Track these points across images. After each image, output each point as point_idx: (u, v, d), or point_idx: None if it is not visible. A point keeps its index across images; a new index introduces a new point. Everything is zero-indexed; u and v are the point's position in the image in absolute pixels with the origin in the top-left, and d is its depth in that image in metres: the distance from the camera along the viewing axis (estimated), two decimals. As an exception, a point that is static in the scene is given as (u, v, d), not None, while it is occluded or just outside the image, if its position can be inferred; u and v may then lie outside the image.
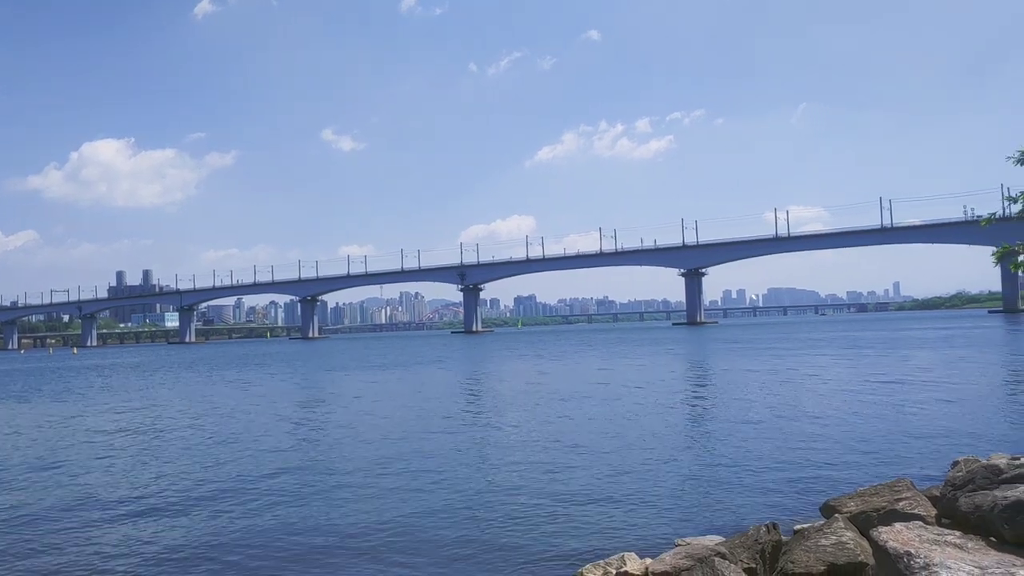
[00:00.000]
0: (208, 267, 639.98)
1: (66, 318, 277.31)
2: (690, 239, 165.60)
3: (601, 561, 8.15)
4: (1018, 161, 8.58)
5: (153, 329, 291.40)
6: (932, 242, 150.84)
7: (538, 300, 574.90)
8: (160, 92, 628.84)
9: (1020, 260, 9.75)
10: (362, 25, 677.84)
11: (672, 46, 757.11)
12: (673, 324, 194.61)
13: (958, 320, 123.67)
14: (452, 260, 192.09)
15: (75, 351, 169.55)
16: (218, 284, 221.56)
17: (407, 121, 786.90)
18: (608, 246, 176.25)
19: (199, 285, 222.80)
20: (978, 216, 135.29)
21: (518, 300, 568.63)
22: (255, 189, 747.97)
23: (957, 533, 6.87)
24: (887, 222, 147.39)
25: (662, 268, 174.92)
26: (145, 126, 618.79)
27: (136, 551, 10.63)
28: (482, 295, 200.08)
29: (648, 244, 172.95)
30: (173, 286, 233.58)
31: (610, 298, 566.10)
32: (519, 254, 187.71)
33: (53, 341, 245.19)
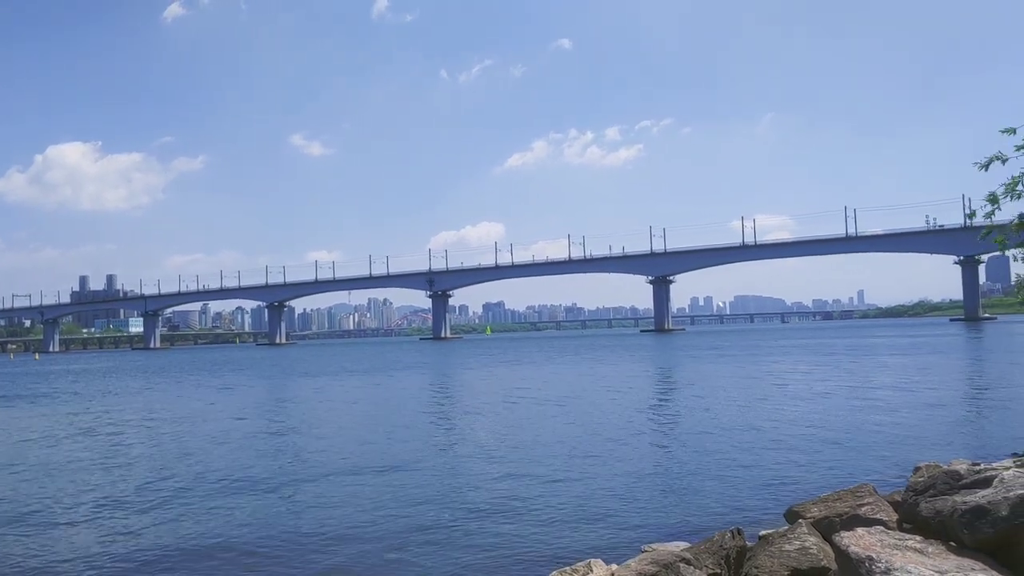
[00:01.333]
0: (174, 272, 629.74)
1: (28, 323, 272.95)
2: (658, 247, 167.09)
3: (567, 568, 8.14)
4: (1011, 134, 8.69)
5: (117, 335, 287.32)
6: (895, 251, 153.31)
7: (507, 307, 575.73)
8: (129, 95, 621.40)
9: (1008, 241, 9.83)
10: (332, 31, 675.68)
11: (642, 55, 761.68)
12: (641, 331, 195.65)
13: (921, 328, 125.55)
14: (421, 266, 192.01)
15: (37, 356, 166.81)
16: (184, 289, 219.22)
17: (377, 127, 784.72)
18: (577, 253, 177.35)
19: (164, 290, 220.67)
20: (940, 225, 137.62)
21: (487, 307, 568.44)
22: (223, 193, 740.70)
23: (918, 538, 6.95)
24: (851, 231, 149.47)
25: (630, 275, 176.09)
26: (113, 129, 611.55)
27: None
28: (451, 301, 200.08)
29: (616, 251, 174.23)
30: (138, 291, 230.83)
31: (579, 305, 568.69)
32: (488, 261, 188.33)
33: (14, 346, 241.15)
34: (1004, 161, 8.62)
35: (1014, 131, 8.54)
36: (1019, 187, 8.49)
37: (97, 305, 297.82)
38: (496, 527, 11.24)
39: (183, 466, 17.74)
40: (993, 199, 8.89)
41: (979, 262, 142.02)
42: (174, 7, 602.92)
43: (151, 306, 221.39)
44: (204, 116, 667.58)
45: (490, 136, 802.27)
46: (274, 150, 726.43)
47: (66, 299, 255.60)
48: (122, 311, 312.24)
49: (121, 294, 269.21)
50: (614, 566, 8.13)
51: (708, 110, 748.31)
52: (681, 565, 7.32)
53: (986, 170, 8.71)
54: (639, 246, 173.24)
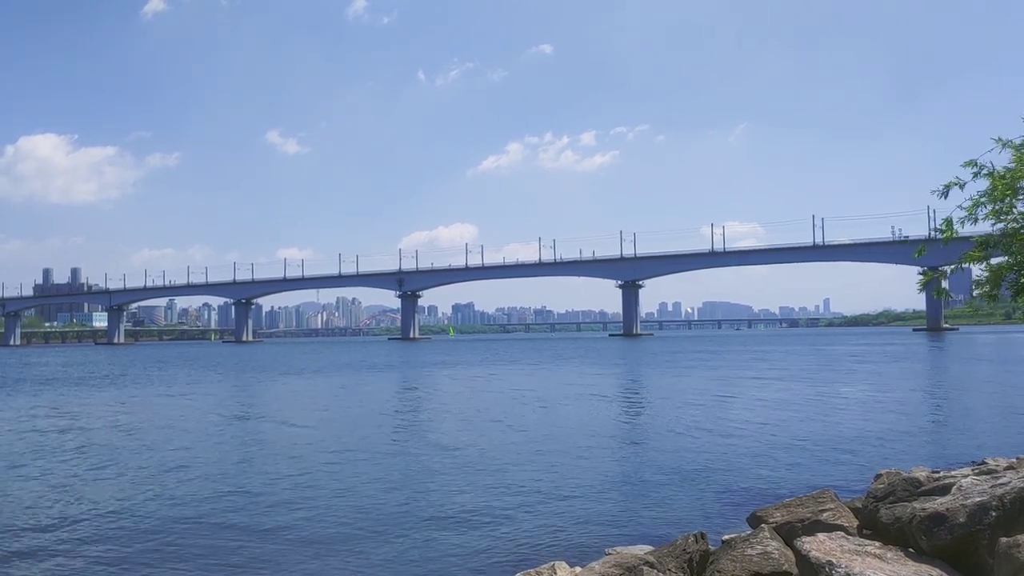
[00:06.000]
0: (143, 267, 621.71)
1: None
2: (628, 252, 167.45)
3: (532, 570, 8.15)
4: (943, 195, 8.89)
5: (80, 329, 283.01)
6: (861, 260, 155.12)
7: (476, 308, 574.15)
8: (109, 90, 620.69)
9: (943, 287, 10.16)
10: (310, 30, 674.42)
11: (621, 62, 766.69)
12: (610, 335, 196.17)
13: (884, 337, 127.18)
14: (391, 266, 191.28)
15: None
16: (150, 284, 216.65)
17: (353, 127, 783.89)
18: (547, 256, 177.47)
19: (130, 285, 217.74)
20: (905, 236, 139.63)
21: (456, 307, 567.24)
22: (197, 189, 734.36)
23: (877, 543, 7.04)
24: (819, 240, 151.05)
25: (600, 279, 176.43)
26: (90, 122, 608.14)
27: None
28: (420, 302, 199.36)
29: (587, 255, 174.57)
30: (102, 285, 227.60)
31: (548, 308, 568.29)
32: (459, 262, 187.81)
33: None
34: (962, 186, 8.79)
35: (975, 163, 8.70)
36: (978, 210, 8.64)
37: (60, 298, 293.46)
38: (461, 529, 11.22)
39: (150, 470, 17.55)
40: (948, 225, 9.06)
41: (941, 278, 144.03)
42: (155, 3, 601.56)
43: (116, 300, 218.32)
44: (182, 112, 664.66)
45: (465, 138, 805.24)
46: (250, 147, 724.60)
47: (28, 292, 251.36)
48: (86, 305, 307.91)
49: (85, 288, 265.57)
50: (578, 569, 8.15)
51: (683, 118, 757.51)
52: (644, 568, 7.35)
53: (945, 198, 8.86)
54: (610, 251, 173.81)
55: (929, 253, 11.63)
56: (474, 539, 10.70)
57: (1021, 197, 8.44)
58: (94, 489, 14.70)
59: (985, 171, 8.58)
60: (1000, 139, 8.51)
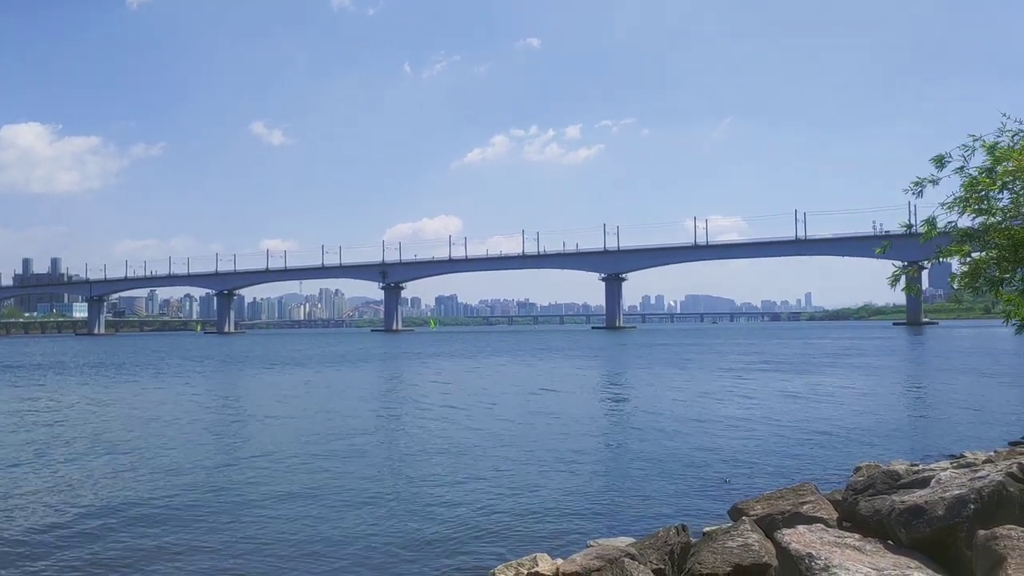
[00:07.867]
0: (125, 258, 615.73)
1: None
2: (612, 244, 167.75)
3: (513, 561, 8.16)
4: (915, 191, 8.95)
5: (60, 319, 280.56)
6: (842, 255, 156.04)
7: (459, 300, 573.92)
8: (95, 80, 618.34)
9: (915, 284, 10.31)
10: (297, 21, 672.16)
11: (607, 56, 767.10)
12: (592, 328, 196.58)
13: (865, 331, 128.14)
14: (375, 258, 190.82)
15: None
16: (131, 275, 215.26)
17: (339, 118, 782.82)
18: (531, 249, 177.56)
19: (111, 275, 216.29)
20: (887, 231, 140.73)
21: (439, 300, 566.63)
22: (181, 180, 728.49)
23: (856, 536, 7.07)
24: (801, 234, 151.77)
25: (583, 272, 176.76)
26: (74, 112, 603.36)
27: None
28: (403, 294, 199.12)
29: (571, 248, 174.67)
30: (83, 275, 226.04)
31: (531, 300, 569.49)
32: (443, 254, 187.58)
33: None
34: (936, 183, 8.86)
35: (941, 159, 8.76)
36: (961, 205, 8.71)
37: (40, 289, 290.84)
38: (443, 521, 11.21)
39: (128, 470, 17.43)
40: (930, 223, 9.13)
41: (923, 268, 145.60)
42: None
43: (96, 291, 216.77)
44: (167, 102, 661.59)
45: (451, 130, 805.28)
46: (235, 138, 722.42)
47: (8, 282, 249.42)
48: (66, 295, 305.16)
49: (66, 278, 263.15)
50: (559, 560, 8.16)
51: (669, 112, 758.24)
52: (626, 560, 7.38)
53: (920, 196, 8.94)
54: (594, 244, 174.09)
55: (907, 248, 11.72)
56: (456, 530, 10.69)
57: (999, 191, 8.50)
58: (80, 484, 14.61)
59: (956, 164, 8.64)
60: (974, 135, 8.58)
